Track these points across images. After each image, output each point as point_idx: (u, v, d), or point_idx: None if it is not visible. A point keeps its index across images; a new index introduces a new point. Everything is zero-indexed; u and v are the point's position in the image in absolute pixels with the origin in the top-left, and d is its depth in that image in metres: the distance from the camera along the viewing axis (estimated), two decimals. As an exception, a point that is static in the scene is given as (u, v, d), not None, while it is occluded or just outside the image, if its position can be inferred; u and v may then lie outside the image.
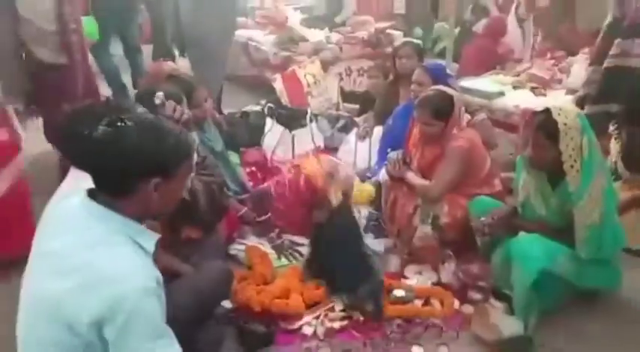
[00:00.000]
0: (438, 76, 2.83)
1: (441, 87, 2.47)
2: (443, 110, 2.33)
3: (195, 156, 2.28)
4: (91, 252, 1.10)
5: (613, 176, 2.53)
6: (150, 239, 1.20)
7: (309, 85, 4.02)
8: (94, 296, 1.04)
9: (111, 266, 1.08)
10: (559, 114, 1.87)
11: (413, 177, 2.43)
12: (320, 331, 2.02)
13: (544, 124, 1.90)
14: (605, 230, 1.95)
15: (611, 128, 2.63)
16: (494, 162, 2.60)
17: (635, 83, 2.37)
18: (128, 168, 1.13)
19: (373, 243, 2.63)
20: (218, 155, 2.70)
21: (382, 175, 2.70)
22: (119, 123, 1.10)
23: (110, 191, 1.16)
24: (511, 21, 5.09)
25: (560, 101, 3.04)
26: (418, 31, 6.07)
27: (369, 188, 2.90)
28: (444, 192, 2.33)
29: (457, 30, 5.43)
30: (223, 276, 1.89)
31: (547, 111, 1.90)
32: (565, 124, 1.85)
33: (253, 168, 3.23)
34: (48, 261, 1.13)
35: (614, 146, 2.62)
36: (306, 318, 2.07)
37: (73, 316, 1.05)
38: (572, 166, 1.89)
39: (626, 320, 2.10)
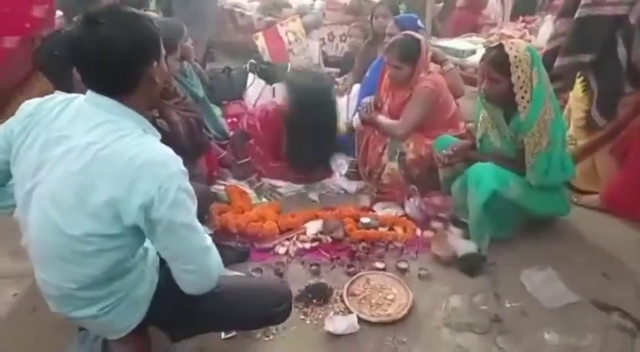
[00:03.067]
0: (410, 28, 2.96)
1: (409, 32, 2.61)
2: (410, 53, 2.48)
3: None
4: (126, 140, 1.13)
5: (587, 124, 2.61)
6: (156, 136, 1.24)
7: (290, 43, 4.14)
8: (144, 178, 1.08)
9: (153, 151, 1.13)
10: (510, 48, 2.02)
11: (382, 119, 2.59)
12: (292, 250, 2.19)
13: (496, 57, 2.05)
14: (553, 158, 2.11)
15: (578, 79, 2.70)
16: (460, 108, 2.77)
17: (608, 30, 2.40)
18: (135, 56, 1.15)
19: (348, 185, 2.81)
20: (200, 100, 2.84)
21: (355, 121, 2.85)
22: (108, 19, 1.13)
23: (116, 90, 1.17)
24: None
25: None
26: (402, 6, 6.17)
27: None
28: (410, 130, 2.50)
29: (441, 5, 5.58)
30: (200, 192, 2.03)
31: (499, 45, 2.06)
32: (515, 57, 2.01)
33: (234, 119, 3.37)
34: (72, 158, 1.13)
35: (583, 97, 2.66)
36: (280, 239, 2.24)
37: (123, 202, 1.09)
38: (522, 97, 2.05)
39: (567, 243, 2.29)
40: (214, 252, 1.26)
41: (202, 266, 1.23)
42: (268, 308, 1.45)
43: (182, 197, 1.13)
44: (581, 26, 2.44)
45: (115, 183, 1.10)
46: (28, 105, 1.24)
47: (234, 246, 2.09)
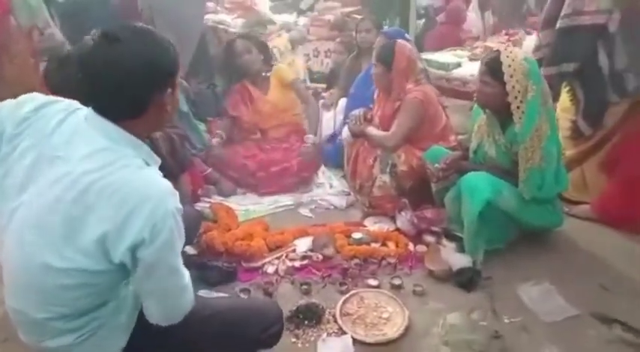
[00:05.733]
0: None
1: (397, 40, 2.59)
2: (382, 54, 2.51)
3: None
4: (125, 173, 1.04)
5: (574, 134, 2.62)
6: (156, 162, 1.16)
7: (275, 59, 4.10)
8: (138, 216, 1.00)
9: (150, 187, 1.04)
10: (507, 56, 2.00)
11: (372, 130, 2.55)
12: (281, 269, 2.10)
13: (491, 63, 2.04)
14: (546, 173, 2.08)
15: (564, 89, 2.71)
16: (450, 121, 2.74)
17: (589, 40, 2.42)
18: (150, 81, 1.07)
19: (338, 200, 2.75)
20: (183, 115, 2.77)
21: (344, 133, 2.81)
22: (128, 36, 1.05)
23: (122, 114, 1.08)
24: (473, 7, 5.32)
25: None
26: (386, 22, 6.24)
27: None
28: (400, 141, 2.45)
29: (422, 21, 5.67)
30: (191, 214, 1.94)
31: (497, 51, 2.04)
32: (510, 66, 1.99)
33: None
34: (64, 185, 1.04)
35: (570, 106, 2.66)
36: (268, 258, 2.15)
37: (114, 239, 1.01)
38: (518, 107, 2.02)
39: (562, 255, 2.25)
40: (189, 290, 1.17)
41: (175, 305, 1.16)
42: (258, 331, 1.34)
43: (172, 238, 1.06)
44: (563, 36, 2.46)
45: (109, 219, 1.02)
46: (28, 104, 1.14)
47: (220, 266, 1.99)
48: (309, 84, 4.42)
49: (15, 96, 1.19)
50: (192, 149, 2.76)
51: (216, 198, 2.75)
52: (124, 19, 3.47)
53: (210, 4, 5.20)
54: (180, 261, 1.12)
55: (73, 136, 1.08)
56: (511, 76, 1.99)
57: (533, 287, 2.00)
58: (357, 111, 2.66)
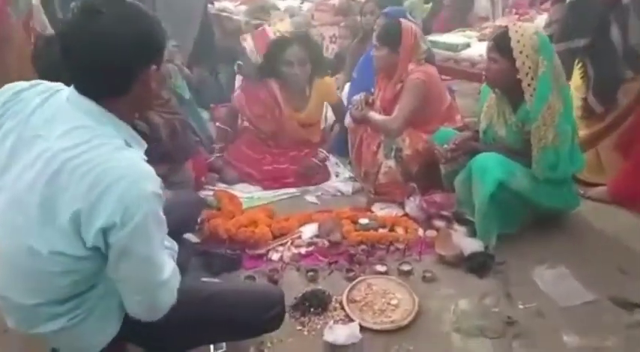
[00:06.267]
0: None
1: (401, 19, 2.50)
2: (388, 35, 2.39)
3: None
4: (101, 151, 0.99)
5: (586, 113, 2.54)
6: (141, 146, 1.10)
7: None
8: (110, 197, 0.95)
9: (127, 168, 0.98)
10: (516, 31, 1.91)
11: (374, 115, 2.46)
12: (286, 256, 2.05)
13: (499, 39, 1.95)
14: (561, 152, 1.99)
15: (576, 66, 2.62)
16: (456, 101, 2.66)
17: (602, 12, 2.33)
18: (134, 56, 1.02)
19: (344, 187, 2.68)
20: (185, 102, 2.71)
21: (346, 120, 2.73)
22: (110, 9, 0.99)
23: (107, 91, 1.04)
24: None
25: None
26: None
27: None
28: (404, 124, 2.37)
29: (429, 5, 5.53)
30: (192, 200, 1.90)
31: (505, 27, 1.95)
32: (519, 41, 1.89)
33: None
34: (42, 164, 1.00)
35: (581, 84, 2.58)
36: (273, 245, 2.10)
37: (85, 220, 0.97)
38: (529, 85, 1.93)
39: (577, 239, 2.17)
40: (169, 287, 1.10)
41: (151, 300, 1.08)
42: (259, 313, 1.29)
43: (146, 224, 0.99)
44: (573, 10, 2.37)
45: (81, 197, 0.96)
46: (8, 91, 1.10)
47: (224, 254, 1.94)
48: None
49: None
50: (195, 136, 2.71)
51: (220, 186, 2.69)
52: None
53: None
54: (158, 254, 1.06)
55: (54, 116, 1.04)
56: (521, 52, 1.90)
57: (548, 271, 1.93)
58: (358, 96, 2.58)
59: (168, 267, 1.09)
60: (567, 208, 2.23)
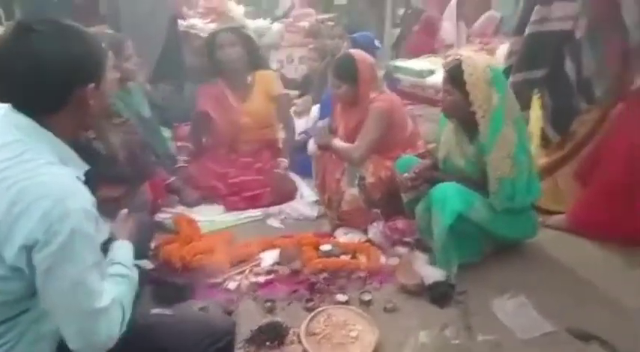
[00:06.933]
0: (365, 46, 2.89)
1: (351, 51, 2.51)
2: (345, 71, 2.37)
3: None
4: (27, 167, 0.97)
5: (544, 142, 2.60)
6: (79, 166, 1.09)
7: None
8: (32, 214, 0.92)
9: (50, 184, 0.96)
10: (468, 65, 1.93)
11: (337, 142, 2.43)
12: (244, 285, 1.97)
13: (452, 69, 1.96)
14: (517, 182, 2.00)
15: (535, 96, 2.68)
16: (417, 127, 2.67)
17: (557, 45, 2.41)
18: (71, 74, 1.03)
19: (309, 210, 2.64)
20: (145, 122, 2.62)
21: (310, 147, 2.71)
22: (44, 27, 1.01)
23: (42, 107, 1.03)
24: (447, 16, 5.32)
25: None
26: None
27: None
28: (367, 152, 2.35)
29: (398, 30, 5.67)
30: (144, 226, 1.81)
31: (458, 60, 1.96)
32: (471, 74, 1.91)
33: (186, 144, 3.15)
34: None
35: (541, 114, 2.63)
36: (231, 273, 2.02)
37: (4, 238, 0.93)
38: (482, 117, 1.95)
39: (537, 268, 2.17)
40: (111, 316, 1.03)
41: (86, 330, 1.00)
42: (203, 346, 1.21)
43: (72, 242, 0.94)
44: (531, 42, 2.44)
45: (1, 213, 0.91)
46: None
47: (176, 282, 1.85)
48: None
49: None
50: (155, 157, 2.61)
51: (179, 208, 2.60)
52: (85, 19, 3.35)
53: (183, 9, 5.09)
54: (91, 278, 0.99)
55: None
56: (474, 85, 1.92)
57: (508, 302, 1.92)
58: (321, 123, 2.57)
59: (107, 295, 1.03)
60: (526, 237, 2.25)
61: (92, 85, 1.07)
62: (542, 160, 2.62)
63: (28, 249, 0.93)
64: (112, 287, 1.07)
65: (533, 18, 2.40)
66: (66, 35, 1.03)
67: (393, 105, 2.39)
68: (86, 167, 1.10)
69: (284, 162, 2.83)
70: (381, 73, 2.48)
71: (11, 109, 1.03)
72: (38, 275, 0.95)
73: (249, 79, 2.85)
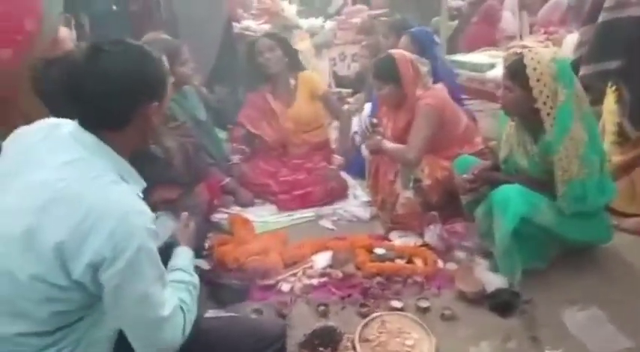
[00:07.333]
0: (424, 42, 2.79)
1: (391, 51, 2.42)
2: (385, 72, 2.30)
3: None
4: (92, 185, 1.01)
5: (620, 139, 2.40)
6: (139, 183, 1.13)
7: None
8: (99, 232, 0.96)
9: (116, 202, 1.00)
10: (531, 59, 1.79)
11: (389, 144, 2.35)
12: (297, 287, 1.96)
13: (513, 65, 1.83)
14: (588, 183, 1.85)
15: (610, 89, 2.45)
16: (476, 123, 2.54)
17: (635, 33, 2.20)
18: (138, 93, 1.08)
19: (362, 212, 2.59)
20: (201, 124, 2.68)
21: (363, 149, 2.66)
22: (113, 48, 1.07)
23: (108, 124, 1.08)
24: (508, 6, 5.07)
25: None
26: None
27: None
28: (420, 153, 2.26)
29: (456, 22, 5.45)
30: (199, 228, 1.84)
31: (520, 54, 1.83)
32: (535, 69, 1.77)
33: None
34: (36, 192, 1.01)
35: (616, 108, 2.42)
36: (284, 275, 2.01)
37: (71, 254, 0.96)
38: (548, 114, 1.81)
39: (612, 275, 2.01)
40: (173, 323, 1.08)
41: (153, 338, 1.06)
42: (255, 350, 1.24)
43: (139, 260, 0.99)
44: (604, 30, 2.26)
45: (68, 231, 0.97)
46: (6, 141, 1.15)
47: (231, 284, 1.87)
48: (334, 89, 4.30)
49: None
50: (210, 159, 2.67)
51: (234, 209, 2.64)
52: (143, 27, 3.50)
53: (238, 12, 5.18)
54: (155, 290, 1.04)
55: (55, 147, 1.08)
56: (538, 80, 1.78)
57: (580, 313, 1.78)
58: (365, 122, 2.50)
59: (170, 303, 1.07)
60: (599, 242, 2.08)
61: (156, 104, 1.11)
62: (617, 158, 2.42)
63: (95, 267, 0.97)
64: (174, 293, 1.12)
65: (607, 4, 2.23)
66: (133, 55, 1.09)
67: (442, 100, 2.30)
68: (144, 184, 1.15)
69: (338, 159, 2.85)
70: (424, 69, 2.37)
71: (77, 126, 1.08)
72: (107, 292, 1.00)
73: (293, 82, 2.92)
